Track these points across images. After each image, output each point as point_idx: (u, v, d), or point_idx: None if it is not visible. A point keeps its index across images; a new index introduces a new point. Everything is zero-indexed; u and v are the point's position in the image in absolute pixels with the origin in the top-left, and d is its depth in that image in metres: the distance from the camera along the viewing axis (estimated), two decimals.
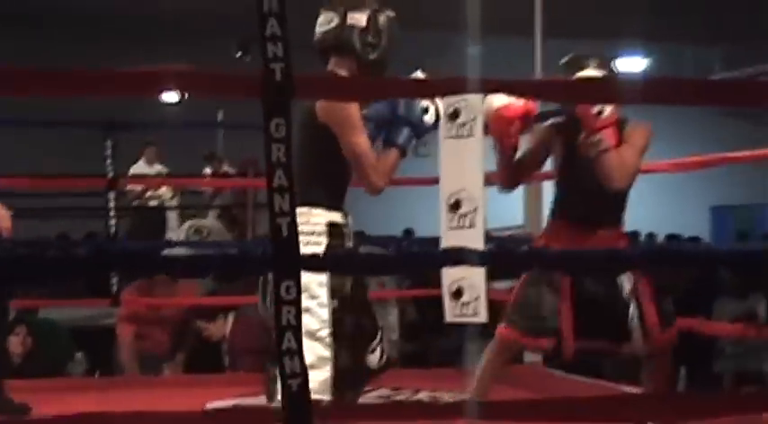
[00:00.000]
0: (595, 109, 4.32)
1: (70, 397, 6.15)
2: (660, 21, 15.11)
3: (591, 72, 4.48)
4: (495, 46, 4.56)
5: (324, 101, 3.71)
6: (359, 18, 3.91)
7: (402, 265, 3.31)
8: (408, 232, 13.64)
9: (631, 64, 18.33)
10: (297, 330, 2.66)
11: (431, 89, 3.13)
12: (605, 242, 4.53)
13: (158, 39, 11.68)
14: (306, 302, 3.28)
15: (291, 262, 2.66)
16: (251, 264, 3.04)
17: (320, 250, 3.74)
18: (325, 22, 3.93)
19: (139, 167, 10.82)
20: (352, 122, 3.77)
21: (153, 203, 10.67)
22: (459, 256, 3.54)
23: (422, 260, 3.37)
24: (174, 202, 10.91)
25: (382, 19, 3.95)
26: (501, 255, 4.15)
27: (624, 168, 4.40)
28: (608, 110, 4.33)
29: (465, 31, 5.60)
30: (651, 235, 14.45)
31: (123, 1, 12.09)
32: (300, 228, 3.38)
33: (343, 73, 3.91)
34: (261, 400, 3.97)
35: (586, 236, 4.52)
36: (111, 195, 6.95)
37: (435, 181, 6.57)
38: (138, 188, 10.28)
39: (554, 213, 4.73)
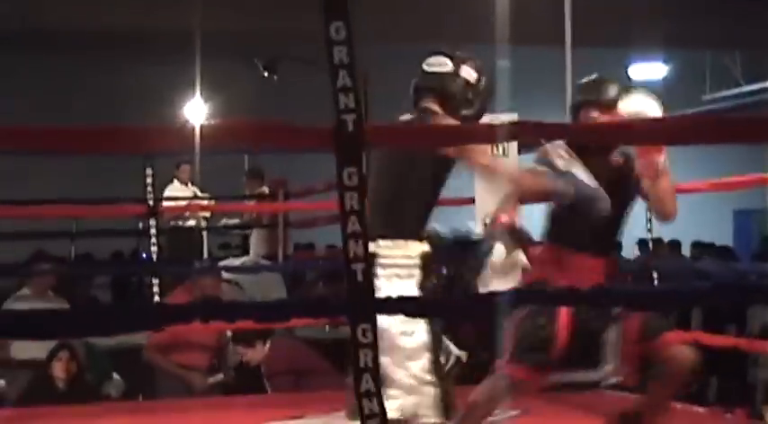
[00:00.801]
0: (661, 158, 4.31)
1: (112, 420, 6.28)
2: (679, 27, 15.13)
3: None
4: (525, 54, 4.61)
5: None
6: (470, 74, 4.05)
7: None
8: None
9: (650, 70, 18.39)
10: (375, 371, 2.75)
11: (495, 136, 3.20)
12: (602, 270, 4.51)
13: (186, 56, 11.71)
14: (404, 326, 3.62)
15: (367, 306, 2.75)
16: (329, 309, 3.12)
17: (415, 281, 3.92)
18: (436, 64, 4.06)
19: (175, 188, 10.85)
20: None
21: (190, 223, 10.72)
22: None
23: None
24: (209, 220, 11.07)
25: (485, 80, 4.09)
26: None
27: (674, 196, 4.46)
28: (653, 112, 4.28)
29: (492, 43, 5.61)
30: (675, 243, 14.44)
31: (152, 17, 12.11)
32: (396, 261, 3.79)
33: (442, 118, 4.00)
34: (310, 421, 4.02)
35: (582, 263, 4.49)
36: (152, 222, 7.10)
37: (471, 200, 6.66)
38: (176, 208, 10.33)
39: (550, 236, 4.63)
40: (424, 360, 3.93)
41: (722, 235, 17.80)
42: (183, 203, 10.34)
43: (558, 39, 8.45)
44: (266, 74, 12.09)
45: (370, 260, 2.77)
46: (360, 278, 2.74)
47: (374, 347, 2.75)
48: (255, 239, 10.55)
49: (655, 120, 4.04)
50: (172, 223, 10.35)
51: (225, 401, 7.15)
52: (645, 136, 3.59)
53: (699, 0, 14.31)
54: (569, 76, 7.74)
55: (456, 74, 4.07)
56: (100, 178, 11.40)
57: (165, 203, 10.40)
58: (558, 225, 4.58)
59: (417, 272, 3.97)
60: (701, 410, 6.56)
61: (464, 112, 4.04)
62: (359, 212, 2.74)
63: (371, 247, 3.71)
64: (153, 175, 7.03)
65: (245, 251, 10.76)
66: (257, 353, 7.28)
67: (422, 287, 3.97)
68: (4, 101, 13.85)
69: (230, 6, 11.87)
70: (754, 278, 8.64)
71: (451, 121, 3.98)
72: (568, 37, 7.77)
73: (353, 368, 2.76)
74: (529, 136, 3.69)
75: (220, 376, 7.75)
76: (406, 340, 3.87)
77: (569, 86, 7.67)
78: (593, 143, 4.11)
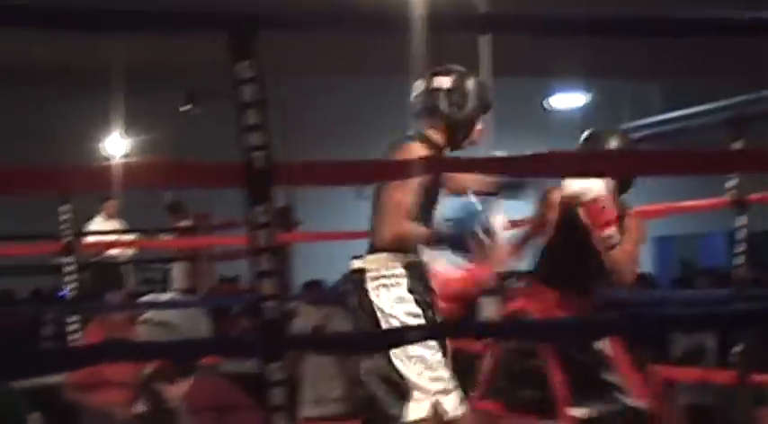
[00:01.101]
0: (600, 204, 4.39)
1: None
2: (599, 58, 15.31)
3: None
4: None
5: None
6: (443, 81, 4.17)
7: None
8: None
9: (570, 100, 18.59)
10: (288, 409, 2.75)
11: (408, 172, 3.21)
12: (587, 309, 4.64)
13: (105, 89, 11.64)
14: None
15: (279, 345, 2.75)
16: (240, 348, 3.10)
17: (403, 289, 4.06)
18: (415, 88, 4.21)
19: (99, 223, 10.81)
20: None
21: (112, 257, 10.66)
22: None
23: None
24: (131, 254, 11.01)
25: (469, 82, 4.21)
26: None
27: (632, 263, 4.57)
28: (596, 189, 4.38)
29: (411, 74, 5.61)
30: None
31: (71, 52, 12.02)
32: (381, 273, 4.02)
33: (434, 133, 4.18)
34: None
35: (569, 302, 4.60)
36: (70, 259, 7.05)
37: None
38: (100, 244, 10.27)
39: (538, 276, 4.75)
40: (441, 363, 4.08)
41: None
42: (108, 238, 10.30)
43: (477, 70, 8.54)
44: (188, 106, 12.06)
45: (282, 297, 2.77)
46: (271, 315, 2.74)
47: (286, 384, 2.75)
48: (177, 273, 10.50)
49: (570, 154, 4.12)
50: (94, 259, 10.31)
51: None
52: (560, 169, 3.63)
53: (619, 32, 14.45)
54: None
55: (429, 90, 4.20)
56: (20, 213, 11.23)
57: (90, 238, 10.40)
58: (552, 267, 4.71)
59: (404, 280, 4.09)
60: None
61: (459, 116, 4.18)
62: (270, 250, 2.74)
63: (361, 263, 4.10)
64: (70, 212, 6.99)
65: (166, 287, 10.72)
66: (178, 389, 7.23)
67: (411, 290, 4.09)
68: None
69: (150, 41, 11.83)
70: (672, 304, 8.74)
71: (420, 149, 4.08)
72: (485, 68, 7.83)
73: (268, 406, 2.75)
74: (442, 169, 3.71)
75: (143, 408, 7.67)
76: (422, 351, 4.01)
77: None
78: (507, 175, 4.16)
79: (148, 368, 7.67)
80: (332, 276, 13.50)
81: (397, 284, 4.09)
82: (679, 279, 13.72)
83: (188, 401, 7.37)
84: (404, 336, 3.11)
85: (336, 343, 3.18)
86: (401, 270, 4.10)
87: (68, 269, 7.16)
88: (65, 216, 7.01)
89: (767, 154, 3.90)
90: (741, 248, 5.44)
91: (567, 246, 4.60)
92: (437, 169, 3.56)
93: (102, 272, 10.44)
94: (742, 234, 5.39)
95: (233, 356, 4.09)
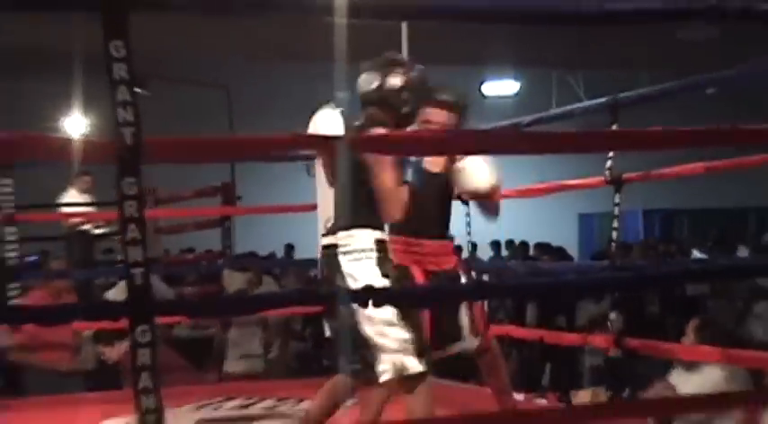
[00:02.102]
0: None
1: None
2: (529, 48, 15.32)
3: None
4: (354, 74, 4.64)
5: None
6: (395, 82, 4.34)
7: None
8: (291, 247, 13.93)
9: (503, 87, 18.62)
10: (153, 369, 2.68)
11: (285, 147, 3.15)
12: (442, 251, 4.79)
13: (54, 74, 11.47)
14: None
15: (145, 309, 2.69)
16: (112, 311, 3.04)
17: (373, 262, 4.15)
18: (367, 82, 4.37)
19: (72, 196, 10.66)
20: (383, 162, 4.17)
21: (82, 229, 10.51)
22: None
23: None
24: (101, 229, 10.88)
25: (415, 78, 4.39)
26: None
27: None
28: None
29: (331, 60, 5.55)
30: (523, 244, 14.61)
31: (33, 35, 11.80)
32: (351, 247, 4.14)
33: (381, 119, 4.33)
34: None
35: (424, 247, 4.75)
36: (12, 229, 7.04)
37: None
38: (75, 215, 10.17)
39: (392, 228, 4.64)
40: (398, 323, 4.13)
41: (569, 237, 18.05)
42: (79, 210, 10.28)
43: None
44: (138, 90, 11.90)
45: (148, 263, 2.70)
46: (139, 281, 2.68)
47: (153, 346, 2.68)
48: None
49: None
50: (68, 230, 10.22)
51: (79, 397, 7.00)
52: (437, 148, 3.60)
53: (545, 25, 14.46)
54: None
55: (383, 87, 4.34)
56: None
57: (64, 209, 10.28)
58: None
59: (373, 254, 4.17)
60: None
61: (404, 111, 4.36)
62: (138, 220, 2.68)
63: (333, 239, 4.17)
64: (10, 186, 7.02)
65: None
66: (115, 351, 7.20)
67: (379, 264, 4.17)
68: None
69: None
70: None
71: (381, 129, 4.23)
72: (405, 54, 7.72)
73: (132, 368, 2.69)
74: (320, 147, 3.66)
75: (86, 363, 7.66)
76: (379, 312, 4.06)
77: None
78: (387, 154, 4.15)
79: (88, 331, 7.65)
80: (270, 246, 13.53)
81: (368, 258, 4.16)
82: (600, 252, 13.77)
83: (125, 362, 7.35)
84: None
85: (200, 307, 3.12)
86: (371, 246, 4.18)
87: (11, 238, 7.11)
88: (6, 189, 6.99)
89: (635, 135, 3.92)
90: (615, 223, 5.42)
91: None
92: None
93: (75, 242, 10.30)
94: (617, 211, 5.37)
95: (105, 320, 4.00)
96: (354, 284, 4.08)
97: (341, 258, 4.16)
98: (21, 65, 13.86)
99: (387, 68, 4.38)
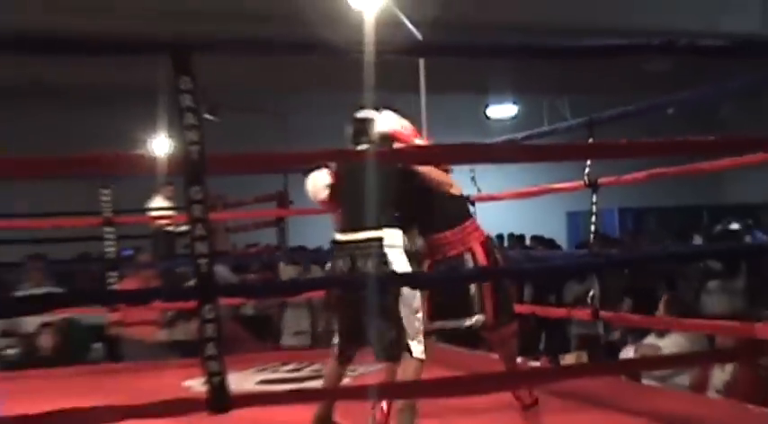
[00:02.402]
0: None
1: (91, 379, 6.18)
2: (525, 78, 15.25)
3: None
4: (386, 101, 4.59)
5: None
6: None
7: None
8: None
9: (504, 110, 18.54)
10: (217, 340, 2.67)
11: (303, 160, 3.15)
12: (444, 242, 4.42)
13: (141, 104, 11.46)
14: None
15: (209, 292, 2.69)
16: (185, 294, 3.04)
17: (403, 254, 4.10)
18: (367, 114, 4.30)
19: (157, 202, 10.59)
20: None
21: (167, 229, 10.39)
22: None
23: None
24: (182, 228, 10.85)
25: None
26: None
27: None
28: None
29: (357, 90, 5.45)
30: (521, 237, 14.51)
31: (98, 72, 11.77)
32: (393, 241, 4.07)
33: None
34: None
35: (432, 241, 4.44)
36: (110, 229, 7.05)
37: None
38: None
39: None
40: (420, 312, 4.09)
41: (559, 231, 17.91)
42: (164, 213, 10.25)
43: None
44: (210, 117, 11.93)
45: (212, 255, 2.69)
46: (204, 269, 2.68)
47: (216, 321, 2.68)
48: None
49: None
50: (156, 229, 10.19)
51: (166, 363, 7.02)
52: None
53: (536, 59, 14.39)
54: (424, 119, 7.72)
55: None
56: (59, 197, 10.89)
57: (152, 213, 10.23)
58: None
59: (401, 248, 4.11)
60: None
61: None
62: (203, 220, 2.68)
63: (377, 233, 4.05)
64: (109, 195, 7.03)
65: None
66: (193, 325, 7.18)
67: (405, 253, 4.15)
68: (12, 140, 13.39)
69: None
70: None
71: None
72: (422, 86, 7.72)
73: (200, 340, 2.68)
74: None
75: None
76: (413, 299, 4.03)
77: (424, 125, 7.67)
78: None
79: (171, 310, 7.66)
80: (317, 242, 13.49)
81: (401, 250, 4.10)
82: (583, 243, 13.67)
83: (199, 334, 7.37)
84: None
85: (253, 290, 3.11)
86: (401, 242, 4.12)
87: (110, 236, 7.11)
88: (106, 197, 6.99)
89: (606, 146, 3.90)
90: (594, 219, 5.39)
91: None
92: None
93: (162, 241, 10.24)
94: (594, 209, 5.34)
95: (179, 301, 4.02)
96: (396, 270, 4.01)
97: (386, 249, 4.04)
98: (113, 97, 13.92)
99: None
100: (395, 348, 4.03)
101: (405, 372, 4.00)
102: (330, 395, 3.95)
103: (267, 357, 6.97)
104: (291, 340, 8.31)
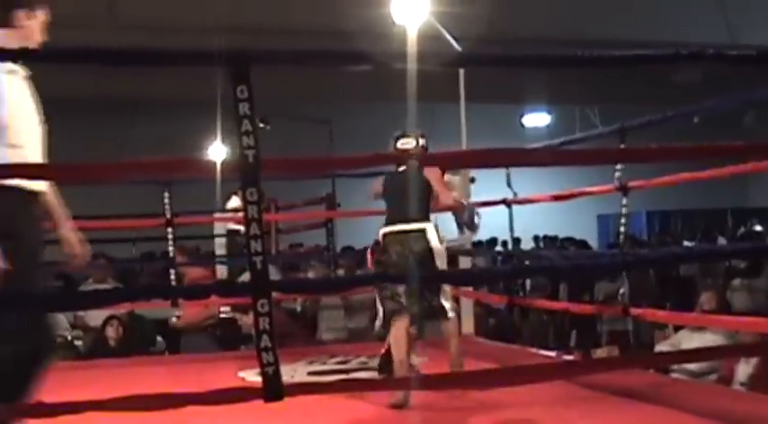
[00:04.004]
0: None
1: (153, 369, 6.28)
2: (558, 89, 15.17)
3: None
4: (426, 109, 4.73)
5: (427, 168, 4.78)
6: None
7: None
8: (377, 243, 13.78)
9: (538, 119, 18.45)
10: (271, 333, 2.67)
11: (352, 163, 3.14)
12: None
13: (200, 113, 11.54)
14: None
15: (264, 288, 2.68)
16: (240, 289, 3.04)
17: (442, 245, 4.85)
18: (407, 143, 4.92)
19: (235, 202, 10.48)
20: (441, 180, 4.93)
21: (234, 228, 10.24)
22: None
23: None
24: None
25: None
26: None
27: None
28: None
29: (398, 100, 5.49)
30: (555, 238, 14.43)
31: (182, 86, 11.84)
32: (432, 232, 4.81)
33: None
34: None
35: None
36: (170, 229, 7.06)
37: None
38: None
39: None
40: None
41: (590, 233, 17.79)
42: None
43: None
44: (262, 125, 11.94)
45: (266, 252, 2.69)
46: (259, 267, 2.67)
47: (270, 315, 2.67)
48: None
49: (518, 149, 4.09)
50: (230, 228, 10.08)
51: (219, 355, 7.05)
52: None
53: (570, 68, 14.32)
54: (464, 127, 7.66)
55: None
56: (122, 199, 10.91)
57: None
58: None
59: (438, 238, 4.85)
60: (544, 352, 6.46)
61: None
62: (258, 220, 2.67)
63: (423, 225, 4.80)
64: (170, 197, 7.01)
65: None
66: (249, 319, 7.20)
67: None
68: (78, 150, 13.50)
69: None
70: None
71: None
72: (462, 95, 7.67)
73: (255, 332, 2.68)
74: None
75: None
76: (444, 256, 4.84)
77: (464, 135, 7.63)
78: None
79: (227, 306, 7.68)
80: (363, 242, 13.48)
81: (439, 240, 4.83)
82: (613, 244, 13.56)
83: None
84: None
85: (304, 286, 3.11)
86: (434, 232, 4.83)
87: (170, 236, 7.12)
88: (167, 200, 6.99)
89: (635, 151, 3.85)
90: (624, 221, 5.33)
91: None
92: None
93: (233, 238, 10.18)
94: (624, 211, 5.28)
95: (235, 296, 4.05)
96: (439, 255, 4.74)
97: (429, 236, 4.77)
98: (176, 108, 14.05)
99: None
100: (438, 305, 4.82)
101: (448, 330, 4.88)
102: (378, 386, 3.92)
103: (315, 350, 6.97)
104: (327, 334, 8.24)
